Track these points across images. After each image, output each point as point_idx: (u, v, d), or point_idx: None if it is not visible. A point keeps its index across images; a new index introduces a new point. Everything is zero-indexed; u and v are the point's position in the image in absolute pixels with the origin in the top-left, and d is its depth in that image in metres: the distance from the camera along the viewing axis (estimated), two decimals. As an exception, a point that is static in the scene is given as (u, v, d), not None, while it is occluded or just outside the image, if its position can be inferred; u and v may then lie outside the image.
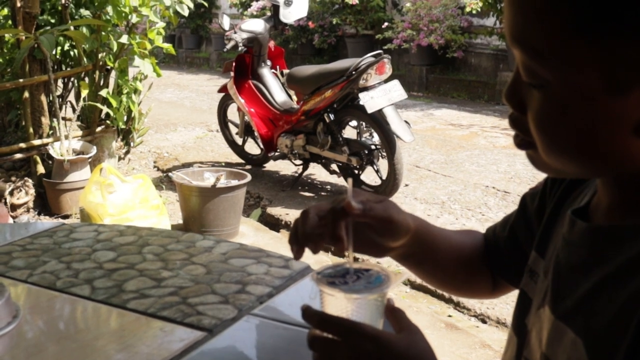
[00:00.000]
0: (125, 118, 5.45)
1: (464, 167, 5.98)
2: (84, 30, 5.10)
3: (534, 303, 0.84)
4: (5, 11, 5.41)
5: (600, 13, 0.61)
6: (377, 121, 4.82)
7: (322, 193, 5.44)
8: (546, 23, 0.65)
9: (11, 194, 4.76)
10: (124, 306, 1.31)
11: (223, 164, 6.24)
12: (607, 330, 0.66)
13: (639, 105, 0.64)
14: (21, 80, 4.92)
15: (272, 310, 1.32)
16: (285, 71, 5.81)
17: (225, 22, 5.81)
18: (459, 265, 1.06)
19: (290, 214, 4.93)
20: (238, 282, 1.41)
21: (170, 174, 4.87)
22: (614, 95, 0.64)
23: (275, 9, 5.88)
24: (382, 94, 4.76)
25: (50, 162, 5.04)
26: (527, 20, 0.66)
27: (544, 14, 0.64)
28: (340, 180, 5.50)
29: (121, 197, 4.13)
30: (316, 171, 5.85)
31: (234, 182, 4.51)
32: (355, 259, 0.89)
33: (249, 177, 4.55)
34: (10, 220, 4.44)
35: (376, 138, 4.99)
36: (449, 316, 3.53)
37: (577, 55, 0.64)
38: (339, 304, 0.80)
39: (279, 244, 4.40)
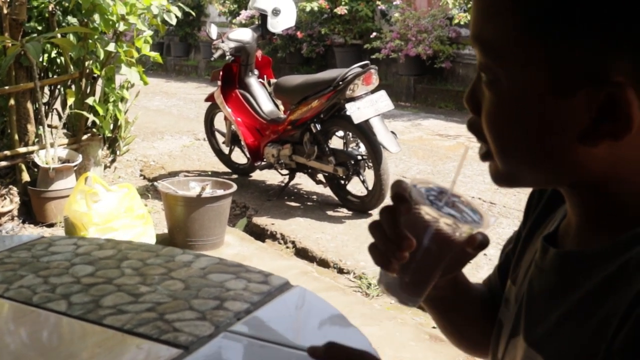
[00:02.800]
0: (111, 126, 5.42)
1: (451, 178, 5.95)
2: (71, 37, 5.09)
3: (504, 330, 0.84)
4: (-8, 18, 5.38)
5: (548, 13, 0.62)
6: (364, 132, 4.82)
7: (309, 203, 5.42)
8: (499, 20, 0.66)
9: (-5, 202, 4.72)
10: (100, 322, 1.30)
11: (210, 173, 6.22)
12: (577, 357, 0.66)
13: (583, 110, 0.64)
14: (7, 87, 4.89)
15: (249, 327, 1.31)
16: (273, 81, 5.81)
17: (213, 31, 5.80)
18: (485, 317, 1.00)
19: (276, 224, 4.91)
20: (216, 298, 1.40)
21: (155, 183, 4.85)
22: (560, 98, 0.64)
23: (263, 18, 5.88)
24: (369, 105, 4.77)
25: (35, 170, 5.01)
26: (483, 17, 0.68)
27: (497, 11, 0.66)
28: (326, 191, 5.49)
29: (106, 206, 4.10)
30: (302, 181, 5.84)
31: (220, 192, 4.50)
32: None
33: (234, 187, 4.53)
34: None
35: (362, 148, 4.99)
36: (433, 327, 3.53)
37: (526, 53, 0.64)
38: (422, 221, 0.78)
39: (264, 253, 4.39)
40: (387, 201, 4.84)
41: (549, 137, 0.66)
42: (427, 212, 0.77)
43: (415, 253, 0.78)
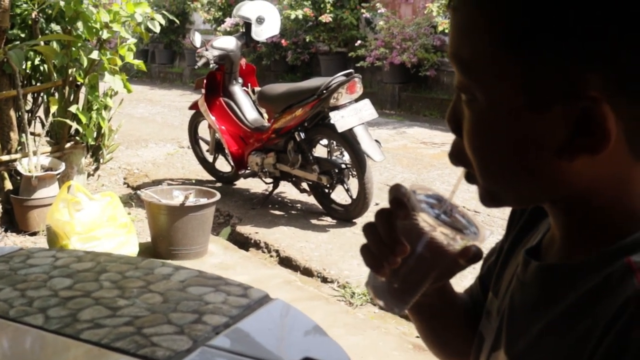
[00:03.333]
0: (95, 134, 5.39)
1: (435, 186, 5.99)
2: (54, 45, 5.06)
3: (485, 343, 0.84)
4: (-26, 25, 5.34)
5: (522, 29, 0.63)
6: (348, 140, 4.82)
7: (293, 212, 5.42)
8: (474, 37, 0.66)
9: (-24, 210, 4.68)
10: (77, 337, 1.29)
11: (193, 181, 6.21)
12: None
13: (559, 126, 0.64)
14: (-11, 95, 4.86)
15: (228, 341, 1.30)
16: (257, 89, 5.80)
17: (197, 39, 5.79)
18: (467, 325, 0.99)
19: (260, 233, 4.90)
20: (195, 312, 1.39)
21: (139, 192, 4.83)
22: (535, 113, 0.64)
23: (247, 26, 5.88)
24: (353, 113, 4.77)
25: (18, 178, 4.97)
26: (460, 34, 0.68)
27: (473, 27, 0.66)
28: (310, 199, 5.49)
29: (89, 215, 4.08)
30: (287, 189, 5.83)
31: (203, 201, 4.48)
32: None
33: (218, 196, 4.52)
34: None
35: (347, 157, 4.99)
36: (417, 337, 3.53)
37: (501, 69, 0.65)
38: (418, 228, 0.78)
39: (247, 262, 4.38)
40: (365, 217, 4.86)
41: (527, 153, 0.66)
42: (425, 219, 0.77)
43: (407, 259, 0.78)
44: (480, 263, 1.00)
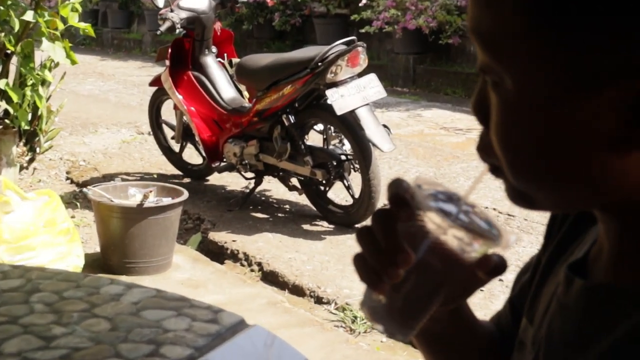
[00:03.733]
0: (29, 117, 5.37)
1: (459, 183, 6.00)
2: (-22, 4, 5.04)
3: None
4: None
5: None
6: (349, 125, 4.82)
7: (279, 214, 5.42)
8: (499, 4, 0.66)
9: None
10: (-1, 374, 1.27)
11: (155, 176, 6.20)
12: None
13: (610, 112, 0.64)
14: None
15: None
16: (235, 61, 5.80)
17: (159, -4, 5.76)
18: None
19: (239, 241, 4.90)
20: (151, 342, 1.38)
21: (85, 189, 4.80)
22: (580, 98, 0.64)
23: (224, -19, 5.88)
24: (355, 92, 4.77)
25: None
26: (480, 3, 0.69)
27: None
28: (302, 199, 5.49)
29: (20, 219, 4.06)
30: (272, 187, 5.83)
31: (167, 201, 4.47)
32: None
33: (186, 194, 4.51)
34: None
35: (347, 146, 4.99)
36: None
37: (534, 44, 0.65)
38: (425, 232, 0.77)
39: (222, 279, 4.38)
40: (369, 222, 4.77)
41: (569, 148, 0.67)
42: (433, 220, 0.77)
43: (412, 271, 0.78)
44: (511, 282, 0.99)
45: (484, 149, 0.74)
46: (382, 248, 0.78)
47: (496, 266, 0.81)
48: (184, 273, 4.43)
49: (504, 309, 1.01)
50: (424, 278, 0.80)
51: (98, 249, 4.57)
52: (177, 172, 6.29)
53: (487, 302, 3.94)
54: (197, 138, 5.74)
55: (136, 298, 1.58)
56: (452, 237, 0.77)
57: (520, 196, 0.73)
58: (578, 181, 0.68)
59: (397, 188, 0.79)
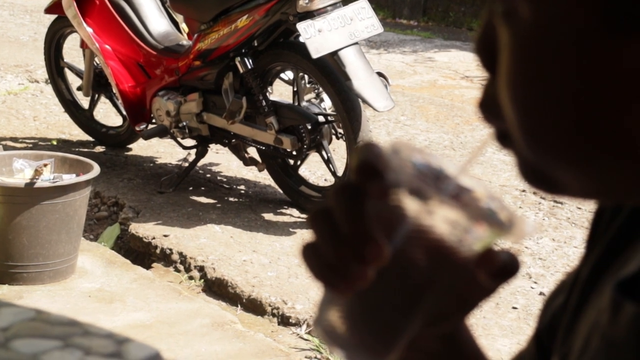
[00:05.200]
0: None
1: (485, 156, 5.99)
2: None
3: None
4: None
5: None
6: (330, 73, 4.84)
7: (231, 198, 5.45)
8: None
9: None
10: None
11: (54, 143, 6.22)
12: None
13: None
14: None
15: None
16: (170, -22, 5.78)
17: None
18: None
19: (172, 236, 4.92)
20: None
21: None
22: (618, 36, 0.64)
23: None
24: (339, 25, 4.78)
25: None
26: None
27: None
28: (263, 177, 5.51)
29: None
30: (221, 159, 5.88)
31: (69, 178, 4.46)
32: None
33: (97, 169, 4.51)
34: None
35: (327, 102, 5.04)
36: None
37: None
38: (403, 214, 0.78)
39: (147, 289, 4.37)
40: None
41: (609, 106, 0.66)
42: (416, 198, 0.78)
43: (385, 270, 0.77)
44: (536, 307, 0.98)
45: (490, 106, 0.74)
46: (344, 237, 0.77)
47: (505, 266, 0.80)
48: (93, 281, 4.41)
49: (528, 346, 1.01)
50: (402, 280, 0.80)
51: (-31, 246, 4.54)
52: (86, 137, 6.32)
53: (522, 324, 3.93)
54: (114, 89, 5.75)
55: (6, 322, 1.53)
56: (442, 221, 0.77)
57: (538, 175, 0.73)
58: (619, 155, 0.68)
59: (367, 155, 0.77)
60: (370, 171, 0.77)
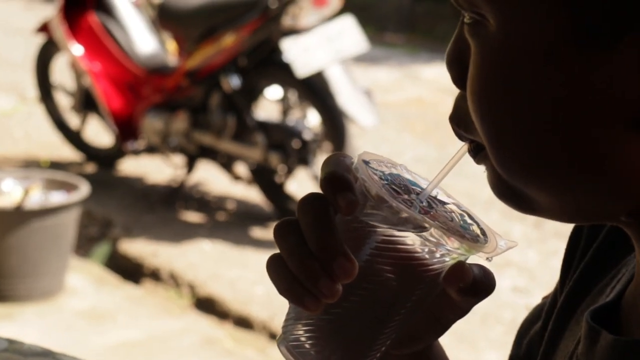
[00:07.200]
0: None
1: (471, 169, 5.96)
2: None
3: None
4: None
5: None
6: (315, 91, 4.87)
7: (220, 216, 5.46)
8: None
9: None
10: None
11: (44, 163, 6.21)
12: None
13: (633, 73, 0.64)
14: None
15: None
16: (157, -1, 5.79)
17: None
18: None
19: (163, 254, 4.92)
20: None
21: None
22: (592, 51, 0.64)
23: None
24: (325, 43, 4.79)
25: None
26: None
27: None
28: (252, 193, 5.53)
29: None
30: (209, 177, 5.87)
31: (59, 198, 4.48)
32: None
33: (86, 190, 4.51)
34: None
35: (313, 120, 5.05)
36: None
37: None
38: (372, 229, 0.76)
39: (138, 307, 4.37)
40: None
41: (578, 123, 0.66)
42: (385, 212, 0.76)
43: (354, 285, 0.76)
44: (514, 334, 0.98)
45: (461, 119, 0.74)
46: (311, 250, 0.75)
47: (477, 282, 0.77)
48: (83, 299, 4.42)
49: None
50: (371, 295, 0.78)
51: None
52: (76, 156, 6.31)
53: (509, 337, 3.95)
54: (103, 109, 5.73)
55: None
56: (415, 237, 0.76)
57: (511, 193, 0.73)
58: (591, 174, 0.68)
59: (336, 166, 0.77)
60: (338, 183, 0.75)
